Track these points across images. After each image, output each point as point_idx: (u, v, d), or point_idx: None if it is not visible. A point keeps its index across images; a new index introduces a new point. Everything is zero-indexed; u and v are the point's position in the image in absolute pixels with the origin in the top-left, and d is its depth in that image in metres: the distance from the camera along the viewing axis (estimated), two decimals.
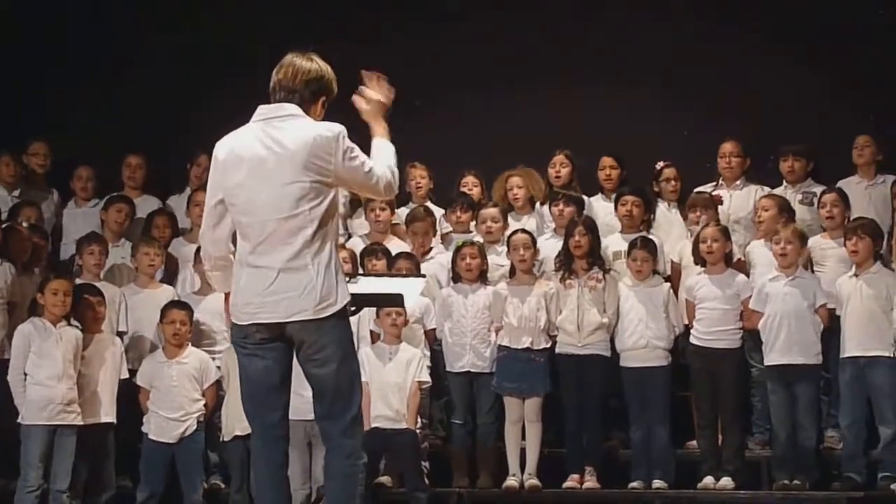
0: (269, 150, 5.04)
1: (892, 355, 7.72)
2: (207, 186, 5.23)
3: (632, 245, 8.31)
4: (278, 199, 5.01)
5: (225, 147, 5.15)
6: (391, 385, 7.99)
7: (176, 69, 10.34)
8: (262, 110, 5.14)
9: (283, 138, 5.04)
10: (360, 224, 9.27)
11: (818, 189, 8.83)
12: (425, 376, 8.13)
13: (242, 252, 5.10)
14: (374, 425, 7.89)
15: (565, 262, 8.33)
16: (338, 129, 5.07)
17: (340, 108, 5.26)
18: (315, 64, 5.15)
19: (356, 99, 5.30)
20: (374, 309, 7.96)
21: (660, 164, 9.13)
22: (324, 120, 5.16)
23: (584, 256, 8.29)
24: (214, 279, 5.34)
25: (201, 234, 5.31)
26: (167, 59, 10.38)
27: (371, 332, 8.28)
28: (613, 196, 9.01)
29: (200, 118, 9.78)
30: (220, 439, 8.30)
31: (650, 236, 8.50)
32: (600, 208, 9.12)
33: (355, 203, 9.29)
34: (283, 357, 5.09)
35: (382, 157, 5.18)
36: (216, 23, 10.38)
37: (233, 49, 10.15)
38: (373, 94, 5.30)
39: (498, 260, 8.58)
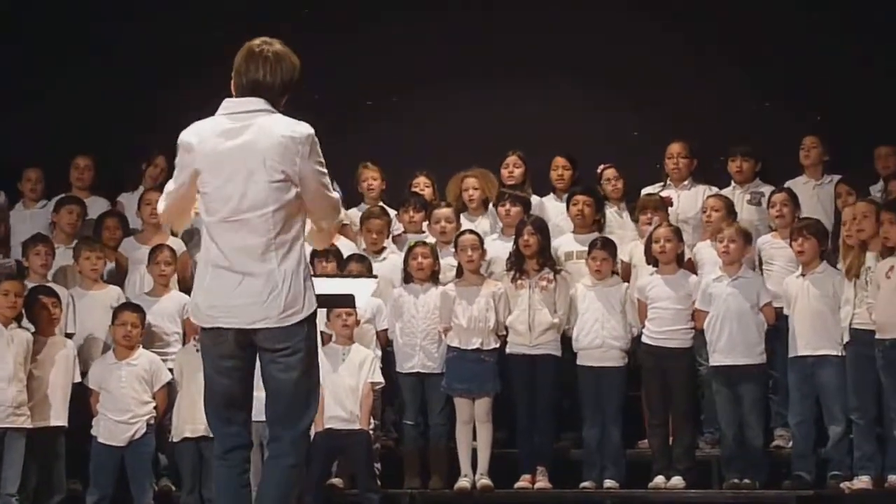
0: (233, 147, 4.86)
1: (839, 354, 7.78)
2: (173, 177, 4.99)
3: (592, 245, 8.34)
4: (241, 198, 4.84)
5: (190, 137, 4.93)
6: (344, 386, 7.98)
7: (127, 68, 10.24)
8: (229, 104, 4.95)
9: (249, 135, 4.85)
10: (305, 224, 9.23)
11: (766, 189, 8.90)
12: (378, 377, 8.12)
13: (208, 251, 4.93)
14: (327, 426, 7.89)
15: (516, 263, 8.35)
16: (309, 130, 4.90)
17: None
18: (288, 58, 4.96)
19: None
20: (325, 311, 7.93)
21: (601, 167, 9.17)
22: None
23: (533, 256, 8.31)
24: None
25: (166, 207, 5.03)
26: (117, 58, 10.28)
27: (322, 333, 8.25)
28: (565, 196, 9.04)
29: (153, 118, 9.73)
30: (170, 441, 8.25)
31: (608, 236, 8.54)
32: (552, 208, 9.15)
33: None
34: (248, 370, 4.96)
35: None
36: (167, 20, 10.28)
37: (186, 47, 10.09)
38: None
39: (451, 261, 8.58)
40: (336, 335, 8.13)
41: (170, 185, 5.03)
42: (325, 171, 4.94)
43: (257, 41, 4.99)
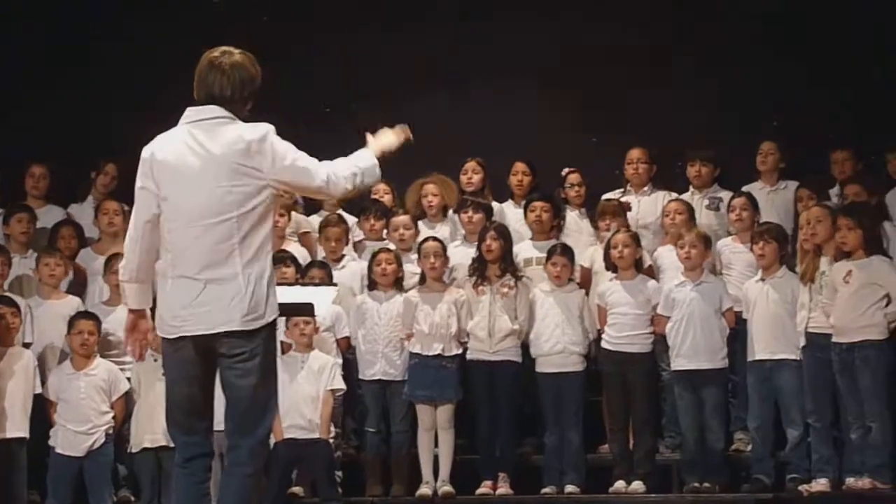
0: (195, 155, 4.86)
1: (797, 358, 7.83)
2: (137, 192, 4.98)
3: (551, 251, 8.36)
4: (204, 206, 4.83)
5: (152, 151, 4.95)
6: (304, 394, 7.97)
7: (80, 76, 10.18)
8: (190, 113, 4.96)
9: (209, 142, 4.86)
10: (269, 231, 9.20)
11: (724, 194, 8.94)
12: (339, 384, 8.11)
13: (166, 263, 4.93)
14: (287, 436, 7.88)
15: (479, 268, 8.36)
16: (265, 129, 4.91)
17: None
18: (244, 66, 4.96)
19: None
20: (283, 319, 7.90)
21: (565, 171, 9.19)
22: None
23: (495, 261, 8.33)
24: (131, 292, 5.02)
25: (128, 241, 5.02)
26: (69, 65, 10.20)
27: (281, 342, 8.23)
28: (523, 202, 9.06)
29: (103, 126, 9.69)
30: (129, 451, 8.21)
31: (566, 243, 8.55)
32: (511, 215, 9.15)
33: None
34: (209, 378, 4.95)
35: (349, 159, 5.07)
36: (121, 30, 10.23)
37: (138, 56, 10.05)
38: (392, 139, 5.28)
39: (412, 268, 8.59)
40: (295, 343, 8.10)
41: (137, 212, 4.97)
42: (294, 157, 4.91)
43: (217, 52, 5.01)
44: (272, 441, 7.78)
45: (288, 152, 4.91)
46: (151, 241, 4.96)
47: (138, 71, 9.98)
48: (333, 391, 8.09)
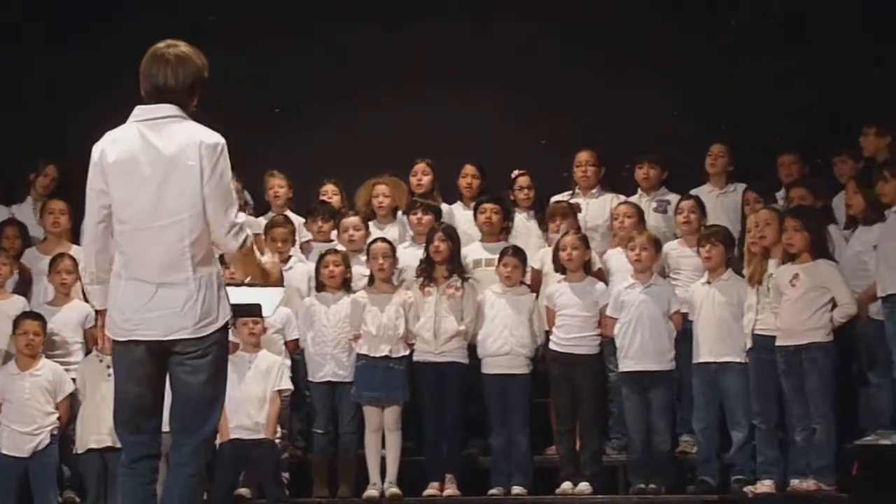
0: (146, 155, 4.83)
1: (742, 360, 7.87)
2: (88, 193, 4.94)
3: (503, 252, 8.38)
4: (155, 207, 4.81)
5: (102, 150, 4.90)
6: (250, 395, 7.95)
7: (19, 75, 10.07)
8: (140, 111, 4.92)
9: (161, 142, 4.83)
10: None
11: (671, 197, 9.00)
12: (286, 384, 8.10)
13: (119, 263, 4.90)
14: (232, 436, 7.85)
15: (426, 269, 8.36)
16: (218, 140, 4.88)
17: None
18: (193, 59, 4.94)
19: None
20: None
21: (515, 173, 9.21)
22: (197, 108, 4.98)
23: (443, 262, 8.34)
24: (96, 293, 5.00)
25: (84, 245, 5.02)
26: (7, 65, 10.09)
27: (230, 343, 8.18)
28: (472, 204, 9.07)
29: (39, 126, 9.61)
30: (74, 452, 8.16)
31: (518, 245, 8.56)
32: (460, 216, 9.16)
33: None
34: (159, 378, 4.93)
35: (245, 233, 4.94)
36: (61, 29, 10.13)
37: (79, 55, 9.97)
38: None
39: (362, 269, 8.58)
40: (243, 343, 8.08)
41: (89, 211, 4.94)
42: (229, 190, 4.87)
43: (162, 44, 4.98)
44: (218, 442, 7.79)
45: (227, 177, 4.86)
46: (105, 241, 4.94)
47: (79, 70, 9.90)
48: (280, 391, 8.07)
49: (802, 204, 8.21)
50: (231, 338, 7.77)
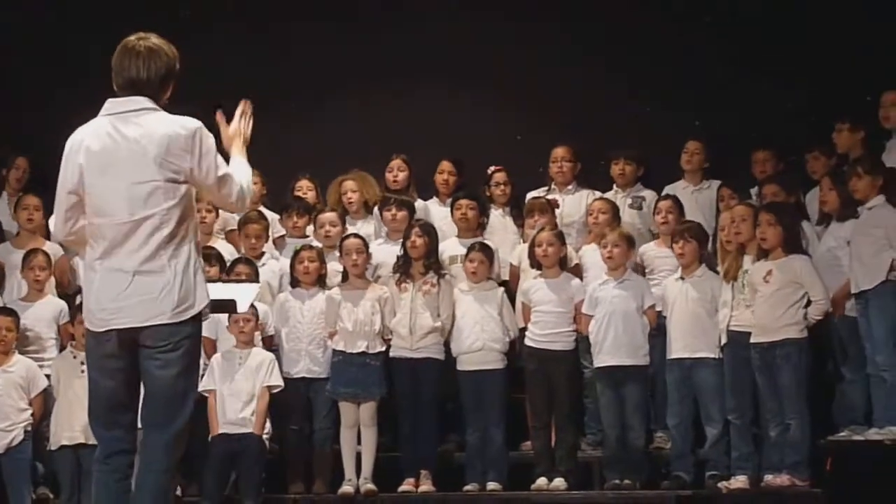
0: (120, 148, 4.83)
1: (716, 356, 7.89)
2: (59, 183, 4.94)
3: (470, 248, 8.38)
4: (131, 199, 4.81)
5: (75, 143, 4.91)
6: (240, 391, 7.97)
7: None
8: (112, 104, 4.92)
9: (135, 134, 4.83)
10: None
11: (647, 193, 9.01)
12: (276, 380, 8.11)
13: (93, 255, 4.90)
14: (221, 431, 7.87)
15: (403, 265, 8.36)
16: (195, 125, 4.89)
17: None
18: (163, 50, 4.95)
19: (220, 119, 5.18)
20: (225, 316, 7.86)
21: (491, 169, 9.21)
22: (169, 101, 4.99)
23: (420, 258, 8.34)
24: (76, 246, 5.12)
25: (54, 229, 5.02)
26: None
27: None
28: (448, 200, 9.07)
29: (12, 120, 9.55)
30: (48, 448, 8.14)
31: (486, 241, 8.56)
32: (436, 212, 9.16)
33: None
34: (133, 372, 4.91)
35: (239, 172, 5.03)
36: (36, 21, 10.09)
37: (49, 50, 9.92)
38: (235, 130, 5.20)
39: (337, 265, 8.57)
40: (235, 340, 8.08)
41: (59, 205, 4.95)
42: (217, 163, 4.91)
43: (132, 37, 5.00)
44: (210, 437, 7.81)
45: (212, 156, 4.89)
46: (74, 232, 4.95)
47: (50, 65, 9.84)
48: (270, 388, 8.06)
49: (776, 200, 8.22)
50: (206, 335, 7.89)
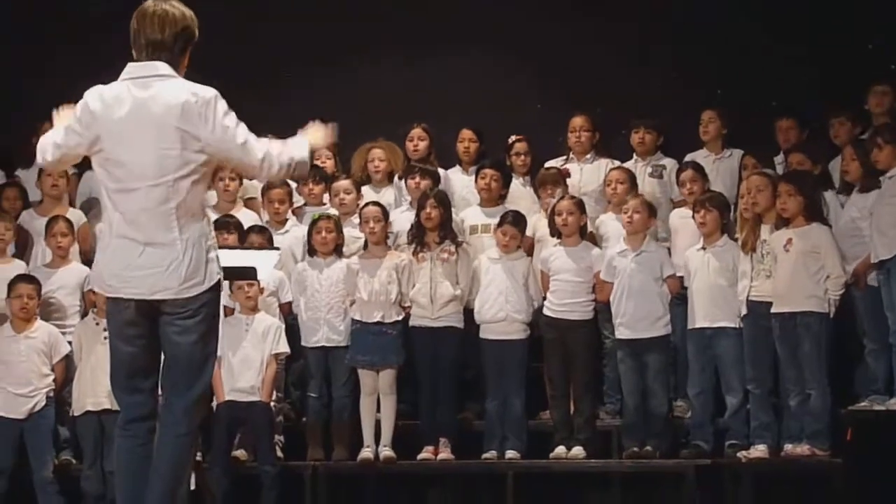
0: (134, 114, 4.80)
1: (737, 326, 7.88)
2: (67, 127, 4.92)
3: (503, 218, 8.35)
4: (143, 166, 4.78)
5: (93, 102, 4.87)
6: (246, 357, 7.98)
7: (12, 40, 10.04)
8: (131, 69, 4.89)
9: (151, 101, 4.80)
10: (209, 195, 9.15)
11: (667, 162, 8.96)
12: (283, 347, 8.12)
13: (112, 221, 4.88)
14: (228, 398, 7.89)
15: (417, 235, 8.36)
16: (210, 93, 4.84)
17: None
18: (180, 12, 4.91)
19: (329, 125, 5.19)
20: (227, 283, 7.87)
21: (512, 138, 9.19)
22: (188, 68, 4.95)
23: (434, 229, 8.33)
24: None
25: (41, 150, 5.02)
26: (2, 30, 10.07)
27: (225, 307, 8.19)
28: (471, 169, 9.05)
29: (41, 91, 9.55)
30: (71, 414, 8.19)
31: (519, 211, 8.50)
32: (458, 181, 9.14)
33: None
34: (153, 338, 4.92)
35: (285, 145, 4.97)
36: None
37: (76, 18, 9.92)
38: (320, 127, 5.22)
39: (354, 232, 8.57)
40: (241, 306, 8.10)
41: (59, 138, 4.95)
42: (236, 130, 4.84)
43: (149, 2, 4.95)
44: (214, 403, 7.83)
45: (231, 123, 4.84)
46: (68, 150, 4.95)
47: (74, 34, 9.86)
48: (277, 355, 8.09)
49: (798, 169, 8.19)
50: (227, 302, 7.92)
